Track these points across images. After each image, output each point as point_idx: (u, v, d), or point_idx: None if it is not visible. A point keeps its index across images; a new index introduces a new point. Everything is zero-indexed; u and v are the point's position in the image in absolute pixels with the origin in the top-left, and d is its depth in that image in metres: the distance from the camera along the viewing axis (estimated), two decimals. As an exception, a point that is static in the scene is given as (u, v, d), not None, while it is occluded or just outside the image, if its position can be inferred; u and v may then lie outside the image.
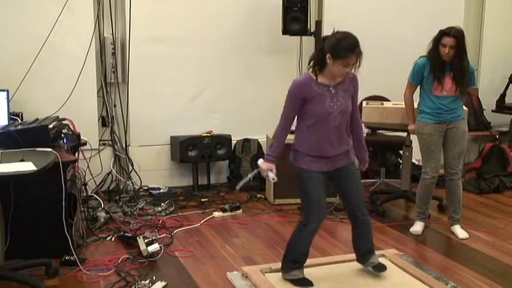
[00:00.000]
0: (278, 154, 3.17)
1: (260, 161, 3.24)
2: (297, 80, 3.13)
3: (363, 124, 3.47)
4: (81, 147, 4.03)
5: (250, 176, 3.35)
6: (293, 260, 3.27)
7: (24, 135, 3.38)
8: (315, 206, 3.16)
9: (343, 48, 2.89)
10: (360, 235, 3.36)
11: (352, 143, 3.26)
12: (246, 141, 5.55)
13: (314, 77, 3.05)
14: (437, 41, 4.01)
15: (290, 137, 3.22)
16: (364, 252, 3.40)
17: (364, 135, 3.47)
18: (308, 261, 3.47)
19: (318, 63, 3.02)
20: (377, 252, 3.73)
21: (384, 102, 5.07)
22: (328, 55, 2.94)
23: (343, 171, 3.20)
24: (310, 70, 3.07)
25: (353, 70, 2.98)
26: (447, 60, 4.00)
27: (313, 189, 3.14)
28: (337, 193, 3.53)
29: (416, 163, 5.38)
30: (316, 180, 3.14)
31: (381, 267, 3.36)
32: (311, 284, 3.23)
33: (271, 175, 3.18)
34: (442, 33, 3.99)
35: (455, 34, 3.93)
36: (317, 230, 3.23)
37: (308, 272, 3.29)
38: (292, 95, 3.08)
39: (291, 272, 3.26)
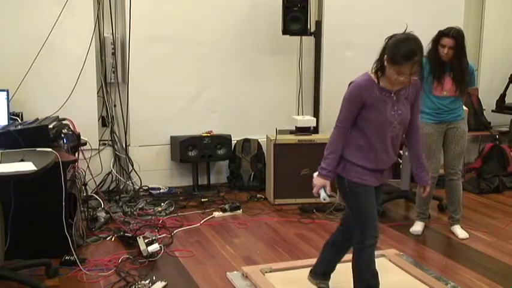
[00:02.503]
0: (334, 167, 2.78)
1: (315, 175, 2.83)
2: (358, 81, 2.73)
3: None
4: (81, 147, 4.03)
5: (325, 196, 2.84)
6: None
7: (24, 135, 3.38)
8: (370, 222, 2.80)
9: (400, 53, 2.56)
10: (341, 255, 3.14)
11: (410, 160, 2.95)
12: (246, 141, 5.55)
13: (376, 80, 2.70)
14: (436, 41, 4.01)
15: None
16: (331, 268, 3.19)
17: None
18: (308, 261, 3.48)
19: (380, 64, 2.67)
20: (377, 252, 3.74)
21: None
22: (385, 56, 2.62)
23: (380, 188, 2.92)
24: (373, 71, 2.72)
25: (407, 79, 2.64)
26: (446, 61, 4.00)
27: (369, 205, 2.80)
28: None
29: (416, 163, 5.37)
30: (371, 194, 2.80)
31: None
32: None
33: (323, 194, 2.79)
34: (441, 34, 3.99)
35: (454, 35, 3.94)
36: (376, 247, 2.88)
37: (308, 272, 3.28)
38: (352, 98, 2.72)
39: None
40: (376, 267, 2.90)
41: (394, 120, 2.73)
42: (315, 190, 2.82)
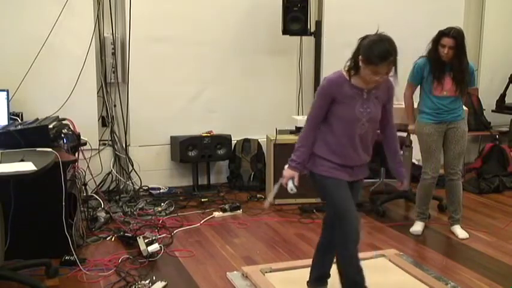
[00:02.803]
0: (304, 160, 2.85)
1: (286, 166, 2.89)
2: (329, 77, 2.81)
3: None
4: (81, 147, 4.03)
5: (276, 187, 2.95)
6: (352, 285, 2.90)
7: (24, 135, 3.38)
8: (348, 216, 2.81)
9: (375, 54, 2.61)
10: (330, 255, 3.10)
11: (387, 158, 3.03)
12: (246, 141, 5.56)
13: (347, 77, 2.76)
14: (436, 41, 4.01)
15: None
16: (323, 273, 3.16)
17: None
18: (308, 262, 3.47)
19: (354, 63, 2.72)
20: (377, 252, 3.75)
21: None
22: (360, 57, 2.68)
23: (355, 185, 2.95)
24: (346, 69, 2.78)
25: (382, 78, 2.72)
26: (446, 61, 4.00)
27: (341, 196, 2.82)
28: None
29: (416, 163, 5.38)
30: (342, 185, 2.83)
31: None
32: None
33: (290, 185, 2.85)
34: (441, 34, 3.99)
35: (454, 35, 3.94)
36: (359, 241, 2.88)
37: (308, 273, 3.28)
38: (323, 93, 2.79)
39: None
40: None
41: (362, 118, 2.78)
42: (284, 181, 2.88)
